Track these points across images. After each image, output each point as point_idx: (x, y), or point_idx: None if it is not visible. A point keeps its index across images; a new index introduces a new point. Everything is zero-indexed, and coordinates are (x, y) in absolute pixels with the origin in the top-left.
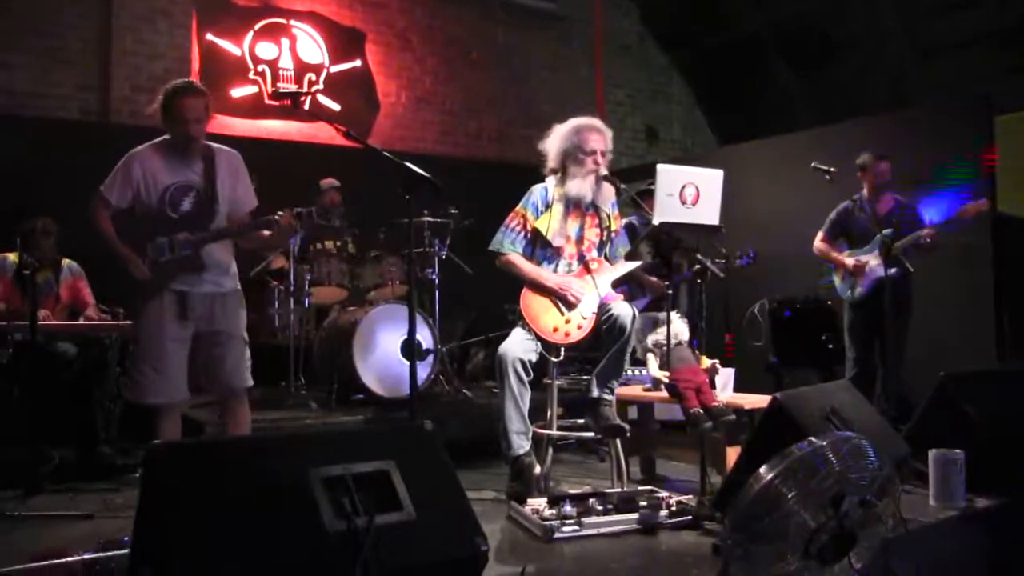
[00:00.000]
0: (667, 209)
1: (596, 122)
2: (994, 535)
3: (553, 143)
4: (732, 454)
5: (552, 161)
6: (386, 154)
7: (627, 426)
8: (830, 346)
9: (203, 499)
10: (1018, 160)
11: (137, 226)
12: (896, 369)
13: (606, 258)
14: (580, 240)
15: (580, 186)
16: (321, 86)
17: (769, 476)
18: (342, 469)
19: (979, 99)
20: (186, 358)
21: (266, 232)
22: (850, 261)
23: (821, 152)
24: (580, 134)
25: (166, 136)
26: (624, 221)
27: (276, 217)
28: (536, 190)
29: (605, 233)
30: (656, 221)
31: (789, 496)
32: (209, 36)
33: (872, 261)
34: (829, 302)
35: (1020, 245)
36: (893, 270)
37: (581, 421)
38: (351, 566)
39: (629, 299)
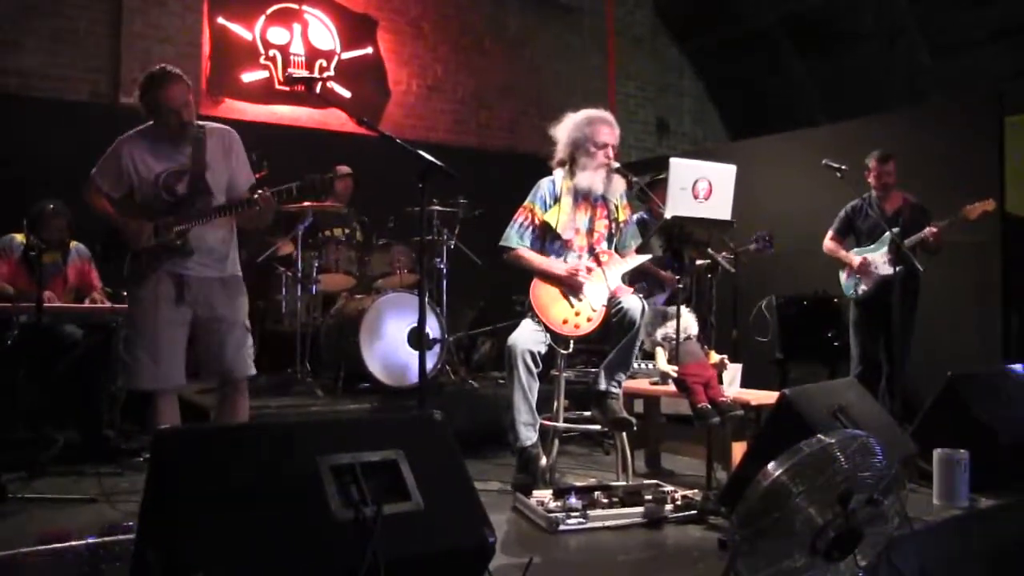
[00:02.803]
0: (679, 203)
1: (608, 115)
2: (997, 535)
3: (564, 131)
4: (737, 449)
5: (561, 150)
6: (401, 142)
7: (634, 420)
8: (836, 343)
9: (211, 485)
10: None
11: (138, 211)
12: (901, 367)
13: (616, 250)
14: (590, 232)
15: (591, 179)
16: (332, 72)
17: (778, 472)
18: (351, 457)
19: (991, 98)
20: (183, 343)
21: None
22: (855, 259)
23: (833, 148)
24: (592, 126)
25: (151, 123)
26: (635, 217)
27: (256, 196)
28: (543, 184)
29: (614, 225)
30: (668, 215)
31: (797, 493)
32: (220, 20)
33: (877, 259)
34: (836, 299)
35: None
36: (898, 268)
37: (587, 413)
38: (358, 555)
39: (648, 295)
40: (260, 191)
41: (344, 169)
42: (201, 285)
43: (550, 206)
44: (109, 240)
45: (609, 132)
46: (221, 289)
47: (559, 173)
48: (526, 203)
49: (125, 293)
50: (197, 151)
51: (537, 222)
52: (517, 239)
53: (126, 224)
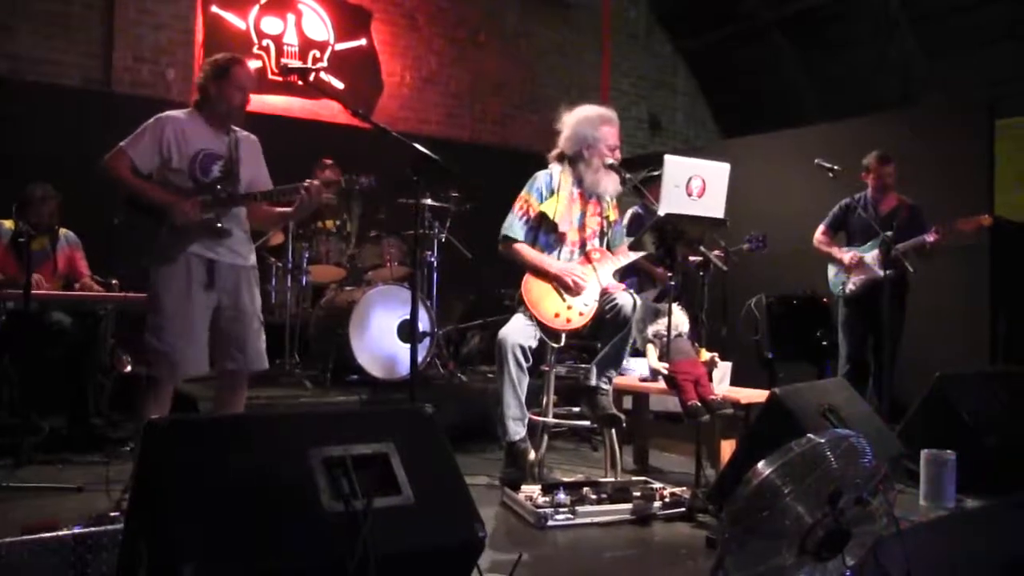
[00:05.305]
0: (673, 200)
1: (615, 116)
2: (983, 536)
3: (573, 125)
4: (726, 447)
5: (565, 143)
6: (398, 136)
7: (623, 416)
8: (824, 343)
9: (201, 476)
10: (1016, 164)
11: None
12: (889, 368)
13: (607, 248)
14: (582, 227)
15: (603, 179)
16: (325, 63)
17: (768, 471)
18: (342, 450)
19: (983, 101)
20: (207, 329)
21: (281, 209)
22: (847, 256)
23: (825, 148)
24: (603, 127)
25: (193, 108)
26: (630, 211)
27: (305, 184)
28: (540, 176)
29: (605, 222)
30: (662, 212)
31: (787, 491)
32: (214, 8)
33: (868, 259)
34: (825, 299)
35: (1016, 248)
36: (890, 271)
37: (577, 409)
38: (348, 548)
39: (639, 291)
40: (308, 182)
41: (327, 162)
42: (229, 272)
43: (546, 198)
44: (135, 213)
45: (616, 134)
46: (246, 279)
47: (556, 167)
48: (522, 194)
49: (116, 282)
50: (233, 145)
51: (533, 213)
52: (520, 230)
53: (169, 197)
